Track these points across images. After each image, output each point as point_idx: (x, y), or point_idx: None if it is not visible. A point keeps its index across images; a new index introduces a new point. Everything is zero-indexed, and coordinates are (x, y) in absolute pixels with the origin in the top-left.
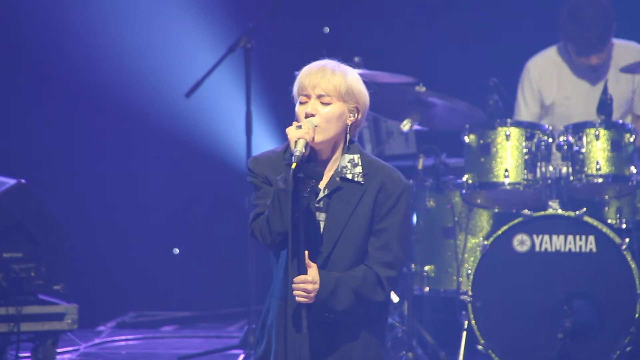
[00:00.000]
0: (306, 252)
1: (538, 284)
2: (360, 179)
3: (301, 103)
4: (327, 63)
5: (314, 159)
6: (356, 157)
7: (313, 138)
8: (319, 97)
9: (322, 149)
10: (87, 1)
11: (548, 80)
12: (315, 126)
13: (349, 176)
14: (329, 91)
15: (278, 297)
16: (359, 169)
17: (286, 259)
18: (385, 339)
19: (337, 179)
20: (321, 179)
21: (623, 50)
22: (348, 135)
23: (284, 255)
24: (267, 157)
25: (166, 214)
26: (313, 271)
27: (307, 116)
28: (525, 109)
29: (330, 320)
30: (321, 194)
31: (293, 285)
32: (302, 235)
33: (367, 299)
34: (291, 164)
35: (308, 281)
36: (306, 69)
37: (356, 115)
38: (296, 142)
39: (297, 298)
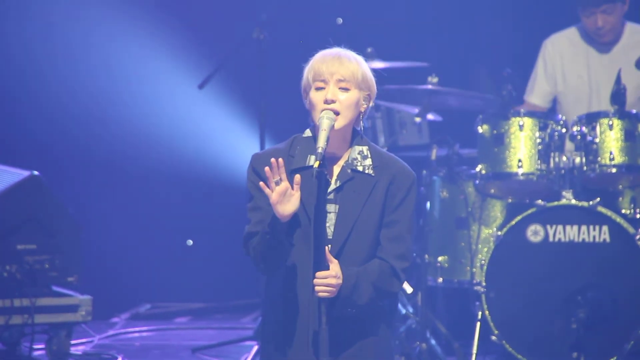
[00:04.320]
0: (327, 247)
1: (552, 275)
2: (370, 171)
3: (317, 89)
4: (341, 51)
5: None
6: (365, 149)
7: (333, 126)
8: (339, 82)
9: (334, 139)
10: None
11: (562, 57)
12: (337, 114)
13: (360, 168)
14: (348, 77)
15: (296, 292)
16: (369, 161)
17: (303, 254)
18: (394, 330)
19: (349, 170)
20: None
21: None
22: (361, 123)
23: (297, 250)
24: (270, 155)
25: (180, 206)
26: (336, 266)
27: (327, 102)
28: (537, 85)
29: (349, 314)
30: (333, 186)
31: (315, 280)
32: (325, 232)
33: (385, 291)
34: (309, 162)
35: (332, 276)
36: (320, 55)
37: (368, 103)
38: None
39: (319, 293)
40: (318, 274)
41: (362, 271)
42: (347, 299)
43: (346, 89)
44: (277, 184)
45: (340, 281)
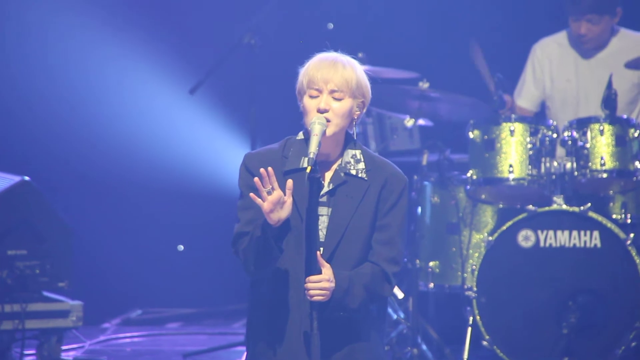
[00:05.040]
0: (319, 251)
1: (543, 280)
2: (363, 175)
3: (311, 97)
4: (337, 57)
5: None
6: (358, 153)
7: (325, 132)
8: (332, 92)
9: (327, 144)
10: None
11: (550, 61)
12: (328, 121)
13: (353, 172)
14: (342, 86)
15: (285, 294)
16: (361, 165)
17: (293, 257)
18: (384, 336)
19: (342, 174)
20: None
21: (631, 41)
22: (354, 128)
23: (288, 253)
24: (263, 155)
25: (171, 211)
26: (328, 270)
27: (320, 111)
28: (525, 89)
29: (339, 317)
30: (325, 189)
31: (308, 284)
32: (317, 237)
33: (376, 295)
34: (302, 164)
35: (325, 280)
36: (316, 61)
37: (362, 109)
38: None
39: (313, 297)
40: (311, 278)
41: (354, 275)
42: (339, 302)
43: (339, 99)
44: (269, 193)
45: (333, 285)
